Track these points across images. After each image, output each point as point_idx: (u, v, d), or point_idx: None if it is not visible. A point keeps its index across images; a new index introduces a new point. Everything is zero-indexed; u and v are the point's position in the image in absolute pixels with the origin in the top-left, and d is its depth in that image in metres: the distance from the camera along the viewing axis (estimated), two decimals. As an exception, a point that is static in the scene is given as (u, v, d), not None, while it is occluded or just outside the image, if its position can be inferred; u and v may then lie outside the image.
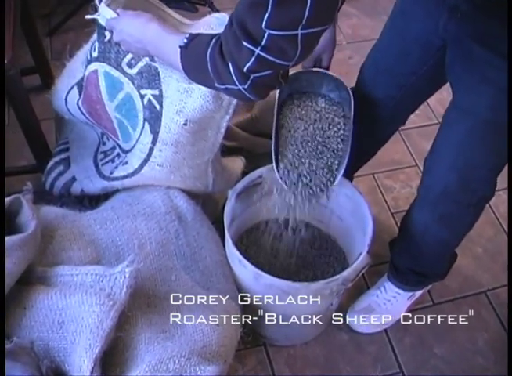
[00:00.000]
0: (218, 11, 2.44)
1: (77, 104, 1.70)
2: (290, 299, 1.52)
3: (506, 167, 1.50)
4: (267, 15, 1.01)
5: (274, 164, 1.53)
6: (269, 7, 0.99)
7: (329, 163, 1.54)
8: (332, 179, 1.54)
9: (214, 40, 1.17)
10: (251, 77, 1.14)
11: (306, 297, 1.52)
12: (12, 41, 1.62)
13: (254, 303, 1.62)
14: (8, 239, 1.27)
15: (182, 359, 1.25)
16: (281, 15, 1.01)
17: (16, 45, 1.64)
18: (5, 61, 1.55)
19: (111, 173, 1.65)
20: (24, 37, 2.15)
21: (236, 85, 1.16)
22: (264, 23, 1.02)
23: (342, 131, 1.57)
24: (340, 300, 1.70)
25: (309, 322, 1.68)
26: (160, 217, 1.50)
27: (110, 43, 1.54)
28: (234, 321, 1.44)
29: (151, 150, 1.53)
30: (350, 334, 1.84)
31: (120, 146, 1.69)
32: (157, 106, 1.50)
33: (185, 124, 1.47)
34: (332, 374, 1.78)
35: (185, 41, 1.23)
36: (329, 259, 1.86)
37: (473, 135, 1.40)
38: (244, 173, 1.74)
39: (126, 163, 1.61)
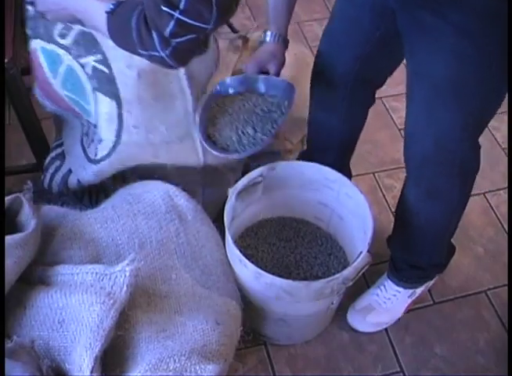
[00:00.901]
0: None
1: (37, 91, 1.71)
2: (291, 298, 1.52)
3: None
4: None
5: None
6: None
7: (264, 126, 1.56)
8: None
9: (139, 7, 1.21)
10: (173, 43, 1.20)
11: (307, 296, 1.52)
12: (12, 41, 1.62)
13: (255, 302, 1.62)
14: (8, 238, 1.27)
15: (182, 358, 1.25)
16: None
17: (17, 44, 1.64)
18: (6, 60, 1.55)
19: (95, 155, 1.66)
20: (24, 36, 2.14)
21: (159, 52, 1.22)
22: None
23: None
24: (340, 299, 1.70)
25: (310, 321, 1.68)
26: (161, 216, 1.49)
27: (35, 17, 1.54)
28: (234, 320, 1.44)
29: (120, 115, 1.55)
30: (350, 334, 1.84)
31: (90, 122, 1.70)
32: (106, 70, 1.50)
33: (139, 77, 1.47)
34: (332, 374, 1.78)
35: (112, 7, 1.26)
36: (330, 258, 1.85)
37: (437, 96, 1.40)
38: (244, 172, 1.74)
39: (101, 140, 1.62)
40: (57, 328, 1.27)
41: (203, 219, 1.55)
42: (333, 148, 1.88)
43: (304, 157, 1.94)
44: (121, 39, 1.30)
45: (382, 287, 1.87)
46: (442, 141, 1.45)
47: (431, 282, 1.91)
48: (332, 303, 1.65)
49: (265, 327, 1.75)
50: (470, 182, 1.61)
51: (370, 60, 1.61)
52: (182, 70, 1.51)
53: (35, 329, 1.28)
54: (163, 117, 1.58)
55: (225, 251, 1.58)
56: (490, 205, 2.19)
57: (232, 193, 1.58)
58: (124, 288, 1.26)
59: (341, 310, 1.84)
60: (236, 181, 1.64)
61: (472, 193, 1.94)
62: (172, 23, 1.16)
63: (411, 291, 1.85)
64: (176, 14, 1.14)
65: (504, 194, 2.23)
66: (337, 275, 1.48)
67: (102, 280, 1.29)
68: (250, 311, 1.62)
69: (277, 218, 1.88)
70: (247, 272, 1.50)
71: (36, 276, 1.35)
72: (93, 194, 1.95)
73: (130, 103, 1.52)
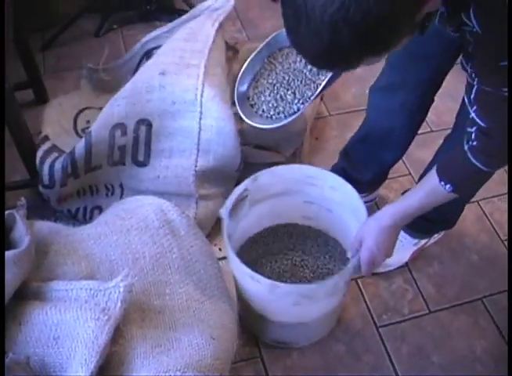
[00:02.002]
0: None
1: None
2: (310, 301, 1.55)
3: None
4: None
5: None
6: None
7: (304, 93, 1.56)
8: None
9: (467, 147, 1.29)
10: None
11: (325, 294, 1.56)
12: (4, 56, 1.62)
13: (270, 313, 1.65)
14: (2, 255, 1.27)
15: (177, 373, 1.24)
16: None
17: (9, 60, 1.64)
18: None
19: None
20: (17, 51, 2.15)
21: None
22: None
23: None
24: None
25: (326, 316, 1.72)
26: (154, 231, 1.49)
27: None
28: (230, 334, 1.44)
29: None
30: (347, 345, 1.83)
31: None
32: None
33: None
34: (330, 385, 1.78)
35: (449, 187, 1.35)
36: (328, 252, 1.89)
37: None
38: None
39: None
40: (52, 345, 1.26)
41: (197, 234, 1.55)
42: (389, 149, 1.93)
43: (349, 154, 2.04)
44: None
45: None
46: None
47: (437, 235, 2.00)
48: (344, 295, 1.70)
49: (284, 335, 1.76)
50: None
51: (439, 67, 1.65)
52: None
53: (30, 346, 1.27)
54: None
55: (219, 266, 1.58)
56: (484, 213, 2.19)
57: (224, 213, 1.58)
58: (119, 304, 1.26)
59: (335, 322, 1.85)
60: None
61: (466, 201, 1.97)
62: None
63: (416, 240, 1.96)
64: None
65: (498, 201, 2.23)
66: (349, 266, 1.52)
67: (96, 296, 1.28)
68: (267, 323, 1.67)
69: (266, 231, 1.89)
70: (261, 287, 1.51)
71: (30, 292, 1.35)
72: (87, 210, 1.97)
73: None
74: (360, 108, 2.43)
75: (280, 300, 1.55)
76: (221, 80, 1.92)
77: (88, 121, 2.15)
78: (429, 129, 2.37)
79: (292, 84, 1.54)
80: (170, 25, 2.13)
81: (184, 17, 2.10)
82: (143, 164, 1.90)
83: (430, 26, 1.13)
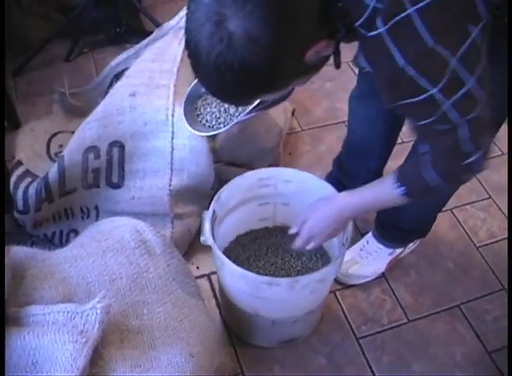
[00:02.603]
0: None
1: None
2: (323, 284, 1.65)
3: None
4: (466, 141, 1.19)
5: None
6: (464, 140, 1.18)
7: None
8: None
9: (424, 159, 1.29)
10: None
11: (335, 273, 1.70)
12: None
13: (286, 312, 1.70)
14: (-24, 282, 1.26)
15: (157, 393, 1.25)
16: (475, 132, 1.17)
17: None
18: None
19: None
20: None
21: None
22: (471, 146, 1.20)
23: None
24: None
25: (325, 289, 1.75)
26: (130, 251, 1.49)
27: None
28: (209, 351, 1.44)
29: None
30: (328, 357, 1.84)
31: None
32: None
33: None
34: (312, 398, 1.79)
35: (402, 188, 1.34)
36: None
37: None
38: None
39: None
40: (31, 369, 1.25)
41: (173, 253, 1.55)
42: (373, 157, 1.97)
43: (342, 163, 2.08)
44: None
45: (365, 243, 2.01)
46: None
47: (412, 245, 2.04)
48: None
49: (293, 330, 1.80)
50: None
51: None
52: None
53: (10, 371, 1.26)
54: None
55: (196, 283, 1.59)
56: (458, 220, 2.22)
57: (207, 239, 1.60)
58: (97, 325, 1.26)
59: (315, 334, 1.86)
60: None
61: (440, 209, 1.99)
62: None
63: (392, 249, 1.99)
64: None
65: (471, 209, 2.27)
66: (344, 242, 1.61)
67: (74, 318, 1.28)
68: (276, 326, 1.73)
69: (226, 249, 1.90)
70: (278, 288, 1.53)
71: (8, 318, 1.34)
72: (63, 234, 1.97)
73: None
74: (331, 122, 2.47)
75: (299, 293, 1.57)
76: (192, 98, 1.93)
77: (60, 146, 2.15)
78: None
79: None
80: (137, 46, 2.16)
81: (150, 37, 2.13)
82: (118, 186, 1.91)
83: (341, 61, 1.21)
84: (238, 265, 1.56)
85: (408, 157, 1.56)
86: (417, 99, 1.10)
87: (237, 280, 1.60)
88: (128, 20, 2.86)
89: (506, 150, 2.47)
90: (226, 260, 1.55)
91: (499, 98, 1.20)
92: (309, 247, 1.60)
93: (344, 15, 1.08)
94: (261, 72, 1.00)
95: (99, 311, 1.27)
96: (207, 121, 1.59)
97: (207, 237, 1.60)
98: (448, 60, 1.05)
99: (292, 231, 1.61)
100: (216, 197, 1.66)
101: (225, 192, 1.69)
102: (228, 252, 1.86)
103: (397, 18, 1.02)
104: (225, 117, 1.63)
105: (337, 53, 1.19)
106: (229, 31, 0.96)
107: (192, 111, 1.60)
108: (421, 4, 1.00)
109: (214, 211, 1.65)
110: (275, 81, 1.07)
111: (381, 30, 1.04)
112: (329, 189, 1.67)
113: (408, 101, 1.12)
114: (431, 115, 1.14)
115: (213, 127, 1.59)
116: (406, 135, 2.40)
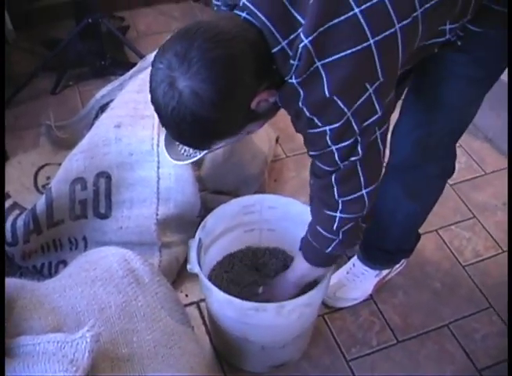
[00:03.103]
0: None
1: None
2: (311, 308, 1.68)
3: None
4: (335, 190, 1.34)
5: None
6: (334, 186, 1.33)
7: None
8: None
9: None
10: (340, 233, 1.45)
11: (323, 295, 1.71)
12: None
13: (277, 338, 1.72)
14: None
15: (149, 419, 1.26)
16: (345, 187, 1.34)
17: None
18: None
19: None
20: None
21: (335, 240, 1.48)
22: (336, 195, 1.36)
23: None
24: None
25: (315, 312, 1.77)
26: (118, 280, 1.51)
27: None
28: (199, 377, 1.45)
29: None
30: (317, 380, 1.86)
31: None
32: None
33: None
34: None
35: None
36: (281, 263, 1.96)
37: (434, 110, 1.56)
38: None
39: None
40: (22, 400, 1.26)
41: (161, 281, 1.56)
42: None
43: None
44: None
45: (352, 266, 2.04)
46: (429, 147, 1.61)
47: (397, 266, 2.05)
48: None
49: (283, 355, 1.81)
50: (445, 183, 1.81)
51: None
52: None
53: (1, 403, 1.27)
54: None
55: (185, 311, 1.60)
56: (443, 241, 2.25)
57: (194, 267, 1.63)
58: (86, 354, 1.27)
59: (305, 358, 1.87)
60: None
61: (425, 230, 2.05)
62: (336, 221, 1.43)
63: (377, 271, 2.02)
64: (338, 214, 1.41)
65: (456, 229, 2.29)
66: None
67: (64, 348, 1.29)
68: (265, 352, 1.74)
69: (212, 274, 1.90)
70: (265, 314, 1.56)
71: (-2, 350, 1.35)
72: (52, 265, 1.98)
73: None
74: (316, 147, 2.49)
75: (287, 318, 1.59)
76: (176, 128, 1.96)
77: (48, 177, 2.17)
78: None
79: None
80: (121, 78, 2.19)
81: (134, 69, 2.17)
82: (105, 216, 1.93)
83: None
84: (224, 290, 1.58)
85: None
86: (310, 131, 1.25)
87: (224, 306, 1.61)
88: (113, 53, 2.90)
89: (488, 170, 2.51)
90: (213, 287, 1.57)
91: None
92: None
93: (279, 73, 1.21)
94: (211, 122, 1.15)
95: (88, 340, 1.28)
96: (185, 150, 1.64)
97: (193, 265, 1.62)
98: (344, 111, 1.18)
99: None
100: (202, 225, 1.69)
101: (211, 220, 1.72)
102: (214, 277, 1.88)
103: (308, 72, 1.16)
104: None
105: None
106: (179, 90, 1.10)
107: (173, 142, 1.66)
108: (327, 60, 1.14)
109: (200, 239, 1.67)
110: (226, 129, 1.22)
111: (295, 81, 1.18)
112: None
113: (307, 131, 1.27)
114: (319, 149, 1.30)
115: (190, 156, 1.64)
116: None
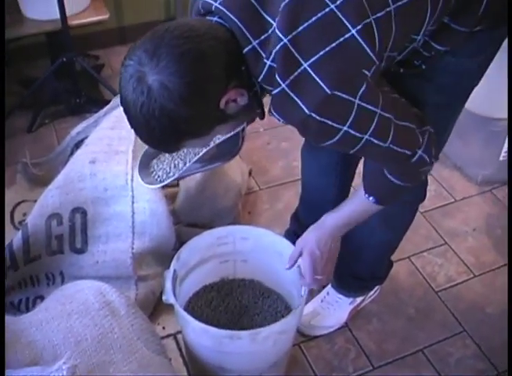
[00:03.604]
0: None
1: None
2: (286, 335, 1.69)
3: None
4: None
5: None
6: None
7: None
8: None
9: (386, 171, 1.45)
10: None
11: (297, 322, 1.70)
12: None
13: (254, 365, 1.73)
14: None
15: None
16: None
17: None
18: None
19: None
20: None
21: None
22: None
23: None
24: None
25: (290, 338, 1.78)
26: (94, 313, 1.52)
27: None
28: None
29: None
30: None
31: None
32: None
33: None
34: None
35: (372, 198, 1.51)
36: (259, 296, 1.98)
37: None
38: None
39: None
40: None
41: (136, 313, 1.58)
42: (329, 205, 2.01)
43: (299, 218, 2.14)
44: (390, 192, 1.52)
45: (326, 294, 2.06)
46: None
47: (371, 292, 2.08)
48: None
49: None
50: (417, 209, 1.86)
51: None
52: None
53: None
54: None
55: (161, 342, 1.62)
56: (416, 267, 2.29)
57: (169, 298, 1.64)
58: (63, 387, 1.29)
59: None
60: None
61: (398, 257, 2.09)
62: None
63: (351, 299, 2.05)
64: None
65: (428, 255, 2.34)
66: (304, 287, 1.66)
67: (40, 381, 1.30)
68: None
69: (188, 305, 1.92)
70: (240, 342, 1.57)
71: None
72: (29, 301, 1.99)
73: None
74: (288, 180, 2.55)
75: (262, 345, 1.60)
76: (150, 163, 2.00)
77: (24, 214, 2.19)
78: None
79: (187, 155, 1.69)
80: (96, 116, 2.24)
81: (108, 106, 2.21)
82: (81, 251, 1.95)
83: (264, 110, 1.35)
84: (201, 320, 1.60)
85: (364, 171, 1.64)
86: (334, 139, 1.24)
87: (200, 335, 1.63)
88: (88, 91, 2.95)
89: (458, 197, 2.57)
90: (188, 317, 1.59)
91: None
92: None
93: (249, 74, 1.23)
94: (180, 117, 1.15)
95: (65, 372, 1.29)
96: (158, 176, 1.69)
97: (168, 296, 1.64)
98: (352, 101, 1.18)
99: (286, 267, 1.69)
100: (176, 256, 1.71)
101: (185, 252, 1.74)
102: (191, 308, 1.90)
103: (295, 73, 1.16)
104: (174, 171, 1.72)
105: (259, 105, 1.34)
106: (148, 85, 1.11)
107: (147, 170, 1.71)
108: (313, 59, 1.14)
109: (174, 271, 1.69)
110: (195, 126, 1.20)
111: (283, 85, 1.18)
112: (284, 243, 1.74)
113: (329, 142, 1.25)
114: (356, 145, 1.27)
115: (162, 180, 1.69)
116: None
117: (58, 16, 2.63)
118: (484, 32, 1.40)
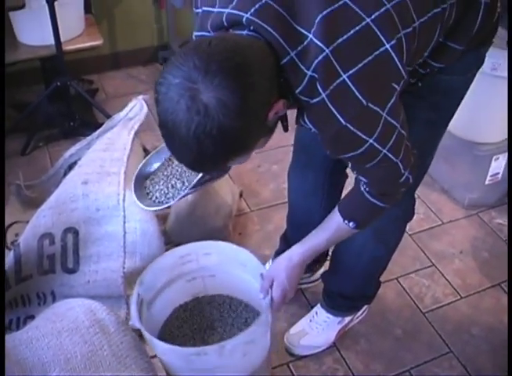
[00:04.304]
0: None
1: None
2: (255, 346, 1.67)
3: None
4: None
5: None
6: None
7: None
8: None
9: (363, 189, 1.47)
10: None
11: (261, 335, 1.68)
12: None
13: None
14: None
15: None
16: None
17: None
18: None
19: None
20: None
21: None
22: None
23: None
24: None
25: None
26: (84, 331, 1.55)
27: None
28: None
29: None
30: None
31: None
32: None
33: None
34: None
35: (352, 223, 1.53)
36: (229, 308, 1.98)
37: None
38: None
39: None
40: None
41: (126, 330, 1.61)
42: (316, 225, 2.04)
43: (287, 238, 2.16)
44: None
45: (314, 314, 2.09)
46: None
47: (359, 313, 2.12)
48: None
49: None
50: (405, 226, 1.90)
51: None
52: None
53: None
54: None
55: (150, 360, 1.63)
56: (403, 288, 2.32)
57: (136, 323, 1.65)
58: (51, 403, 1.31)
59: None
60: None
61: (386, 278, 2.12)
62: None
63: (340, 318, 2.07)
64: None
65: (415, 277, 2.37)
66: (267, 297, 1.66)
67: (29, 397, 1.33)
68: None
69: (164, 328, 1.91)
70: (207, 357, 1.57)
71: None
72: (20, 320, 2.01)
73: None
74: (278, 202, 2.58)
75: (231, 358, 1.60)
76: (142, 184, 2.04)
77: (16, 234, 2.22)
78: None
79: (183, 174, 1.69)
80: (89, 138, 2.28)
81: (101, 129, 2.26)
82: (73, 271, 1.98)
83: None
84: (179, 342, 1.61)
85: (346, 199, 1.67)
86: (358, 151, 1.27)
87: (170, 356, 1.65)
88: (82, 114, 3.00)
89: (445, 220, 2.61)
90: (154, 340, 1.60)
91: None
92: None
93: (287, 85, 1.23)
94: (235, 134, 1.12)
95: (53, 389, 1.32)
96: (156, 197, 1.70)
97: (134, 321, 1.65)
98: (380, 114, 1.23)
99: (261, 297, 1.70)
100: (139, 280, 1.71)
101: (148, 275, 1.75)
102: (168, 330, 1.90)
103: (334, 84, 1.19)
104: (173, 192, 1.73)
105: (284, 118, 1.34)
106: (204, 103, 1.07)
107: (142, 191, 1.72)
108: (352, 71, 1.18)
109: (138, 295, 1.70)
110: (247, 142, 1.19)
111: (323, 95, 1.20)
112: (247, 254, 1.76)
113: (351, 154, 1.29)
114: (373, 159, 1.31)
115: (162, 202, 1.70)
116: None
117: (52, 41, 2.68)
118: (473, 51, 1.48)
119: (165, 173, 1.74)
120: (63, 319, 1.58)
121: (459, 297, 2.31)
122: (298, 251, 1.65)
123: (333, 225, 1.57)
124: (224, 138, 1.11)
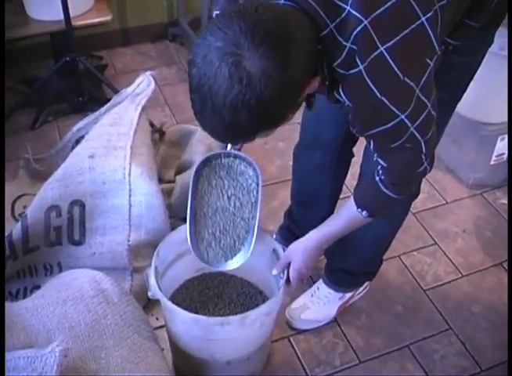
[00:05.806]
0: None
1: None
2: (269, 317, 1.73)
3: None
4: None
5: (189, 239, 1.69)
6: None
7: (240, 234, 1.68)
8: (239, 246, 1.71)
9: (378, 179, 1.47)
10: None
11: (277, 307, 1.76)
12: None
13: (254, 346, 1.80)
14: None
15: None
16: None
17: None
18: None
19: None
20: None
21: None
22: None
23: (254, 194, 1.69)
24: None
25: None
26: (89, 300, 1.59)
27: None
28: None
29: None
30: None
31: None
32: None
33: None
34: None
35: (365, 212, 1.54)
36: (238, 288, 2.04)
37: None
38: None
39: None
40: (-7, 415, 1.32)
41: (129, 301, 1.65)
42: (323, 202, 2.08)
43: (292, 215, 2.21)
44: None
45: (316, 289, 2.12)
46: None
47: (360, 289, 2.14)
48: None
49: (246, 369, 1.87)
50: (410, 204, 1.91)
51: None
52: None
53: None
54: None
55: (152, 329, 1.68)
56: (405, 266, 2.35)
57: (155, 293, 1.69)
58: (55, 368, 1.33)
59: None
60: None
61: (388, 256, 2.14)
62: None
63: (341, 294, 2.11)
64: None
65: (417, 254, 2.39)
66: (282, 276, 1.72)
67: (33, 362, 1.35)
68: (239, 364, 1.80)
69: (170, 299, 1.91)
70: (230, 327, 1.62)
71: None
72: (27, 290, 2.05)
73: None
74: (284, 179, 2.60)
75: (250, 329, 1.67)
76: (148, 158, 2.07)
77: (24, 207, 2.26)
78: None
79: (227, 227, 1.71)
80: (96, 113, 2.31)
81: (108, 104, 2.28)
82: (79, 243, 2.01)
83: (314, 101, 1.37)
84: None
85: (359, 181, 1.70)
86: (389, 125, 1.26)
87: (190, 326, 1.68)
88: (91, 90, 3.02)
89: (449, 199, 2.63)
90: (177, 309, 1.64)
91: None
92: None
93: (325, 56, 1.23)
94: (274, 107, 1.09)
95: (57, 354, 1.35)
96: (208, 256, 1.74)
97: (154, 292, 1.69)
98: (414, 90, 1.23)
99: (275, 273, 1.75)
100: (155, 252, 1.75)
101: (163, 247, 1.79)
102: (175, 302, 1.90)
103: (372, 56, 1.19)
104: (229, 251, 1.74)
105: (312, 94, 1.35)
106: (247, 70, 1.04)
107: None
108: (389, 43, 1.18)
109: (156, 267, 1.73)
110: (281, 117, 1.16)
111: (361, 67, 1.20)
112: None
113: (380, 128, 1.28)
114: (401, 138, 1.31)
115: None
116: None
117: (62, 17, 2.70)
118: (486, 29, 1.48)
119: (209, 231, 1.72)
120: (68, 288, 1.62)
121: (460, 275, 2.34)
122: (314, 237, 1.69)
123: (348, 213, 1.60)
124: (261, 110, 1.08)
